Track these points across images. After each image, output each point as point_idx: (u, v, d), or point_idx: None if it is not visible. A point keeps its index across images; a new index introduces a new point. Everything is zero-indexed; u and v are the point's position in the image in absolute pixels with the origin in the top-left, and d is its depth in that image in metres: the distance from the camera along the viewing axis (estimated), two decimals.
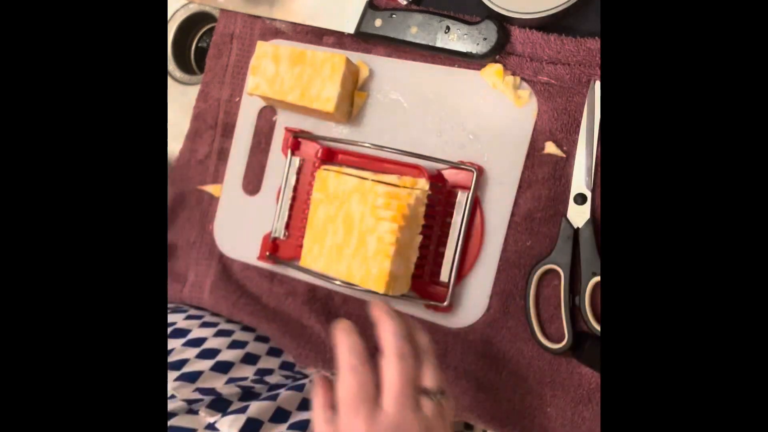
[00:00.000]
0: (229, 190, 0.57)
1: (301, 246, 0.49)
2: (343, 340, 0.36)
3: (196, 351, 0.48)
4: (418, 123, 0.49)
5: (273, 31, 0.56)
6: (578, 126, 0.44)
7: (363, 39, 0.50)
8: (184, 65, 0.67)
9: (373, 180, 0.45)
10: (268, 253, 0.52)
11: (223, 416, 0.41)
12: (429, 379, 0.36)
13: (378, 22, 0.48)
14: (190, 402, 0.42)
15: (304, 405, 0.46)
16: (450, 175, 0.47)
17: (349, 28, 0.50)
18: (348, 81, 0.49)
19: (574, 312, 0.43)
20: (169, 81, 0.65)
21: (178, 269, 0.58)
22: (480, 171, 0.46)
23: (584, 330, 0.43)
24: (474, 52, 0.44)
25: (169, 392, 0.42)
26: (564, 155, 0.44)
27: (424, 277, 0.47)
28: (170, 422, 0.40)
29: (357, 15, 0.49)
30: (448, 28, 0.45)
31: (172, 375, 0.44)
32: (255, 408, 0.43)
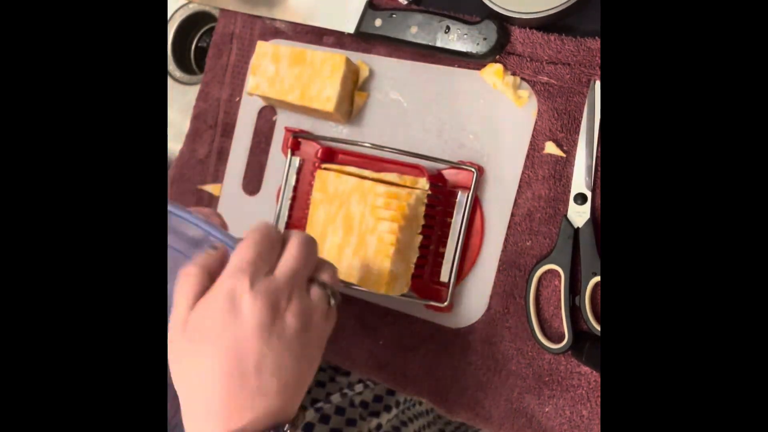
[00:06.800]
0: (228, 189, 0.57)
1: None
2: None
3: None
4: (418, 123, 0.49)
5: (273, 31, 0.56)
6: (578, 126, 0.44)
7: (363, 39, 0.50)
8: (184, 65, 0.67)
9: (373, 180, 0.45)
10: None
11: None
12: (327, 275, 0.36)
13: (378, 22, 0.48)
14: None
15: None
16: (450, 175, 0.47)
17: (349, 28, 0.50)
18: (348, 81, 0.49)
19: (574, 312, 0.43)
20: (169, 81, 0.65)
21: None
22: (480, 171, 0.46)
23: (584, 330, 0.43)
24: (474, 52, 0.44)
25: None
26: (564, 155, 0.44)
27: (424, 277, 0.47)
28: None
29: (357, 15, 0.49)
30: (448, 28, 0.45)
31: None
32: None
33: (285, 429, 0.32)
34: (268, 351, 0.31)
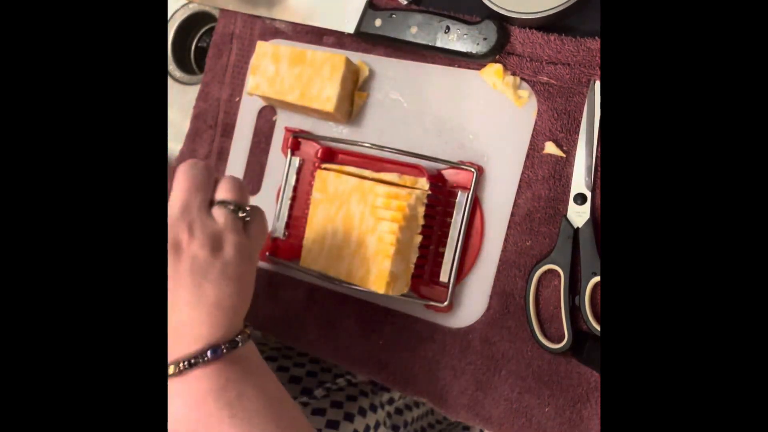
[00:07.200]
0: None
1: (301, 246, 0.49)
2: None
3: None
4: (418, 123, 0.49)
5: (273, 31, 0.56)
6: (578, 126, 0.44)
7: (363, 39, 0.50)
8: (184, 65, 0.67)
9: (372, 180, 0.45)
10: (267, 254, 0.52)
11: None
12: (224, 191, 0.35)
13: (378, 22, 0.48)
14: None
15: None
16: (450, 175, 0.47)
17: (349, 28, 0.50)
18: (348, 81, 0.49)
19: (574, 312, 0.43)
20: (169, 81, 0.65)
21: None
22: (480, 171, 0.46)
23: (584, 330, 0.43)
24: (474, 52, 0.44)
25: None
26: (564, 155, 0.44)
27: (424, 277, 0.47)
28: None
29: (357, 15, 0.49)
30: (448, 28, 0.45)
31: None
32: None
33: (222, 349, 0.32)
34: (180, 288, 0.32)
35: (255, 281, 0.36)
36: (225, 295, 0.33)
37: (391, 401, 0.54)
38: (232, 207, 0.35)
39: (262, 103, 0.56)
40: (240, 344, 0.34)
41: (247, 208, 0.36)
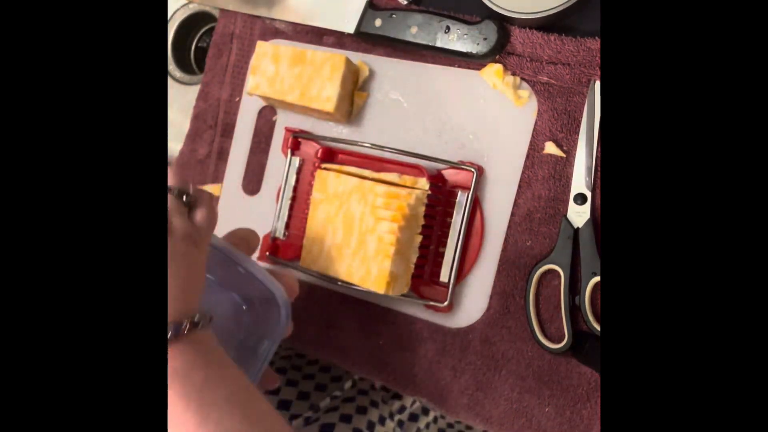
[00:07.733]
0: (228, 190, 0.57)
1: (301, 246, 0.49)
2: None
3: None
4: (418, 123, 0.49)
5: (273, 31, 0.56)
6: (578, 126, 0.44)
7: (363, 39, 0.50)
8: (184, 65, 0.67)
9: (372, 180, 0.45)
10: (268, 253, 0.52)
11: None
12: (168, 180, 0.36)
13: (378, 22, 0.48)
14: None
15: None
16: (450, 175, 0.47)
17: (349, 28, 0.50)
18: (348, 81, 0.49)
19: (574, 312, 0.43)
20: (169, 81, 0.65)
21: None
22: (480, 171, 0.46)
23: (584, 330, 0.43)
24: (474, 52, 0.44)
25: None
26: (564, 155, 0.44)
27: (424, 277, 0.47)
28: None
29: (357, 15, 0.49)
30: (448, 28, 0.45)
31: None
32: None
33: (184, 326, 0.32)
34: None
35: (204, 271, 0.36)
36: (173, 275, 0.33)
37: (402, 409, 0.54)
38: (174, 192, 0.35)
39: (262, 103, 0.56)
40: (200, 325, 0.33)
41: (191, 192, 0.36)
